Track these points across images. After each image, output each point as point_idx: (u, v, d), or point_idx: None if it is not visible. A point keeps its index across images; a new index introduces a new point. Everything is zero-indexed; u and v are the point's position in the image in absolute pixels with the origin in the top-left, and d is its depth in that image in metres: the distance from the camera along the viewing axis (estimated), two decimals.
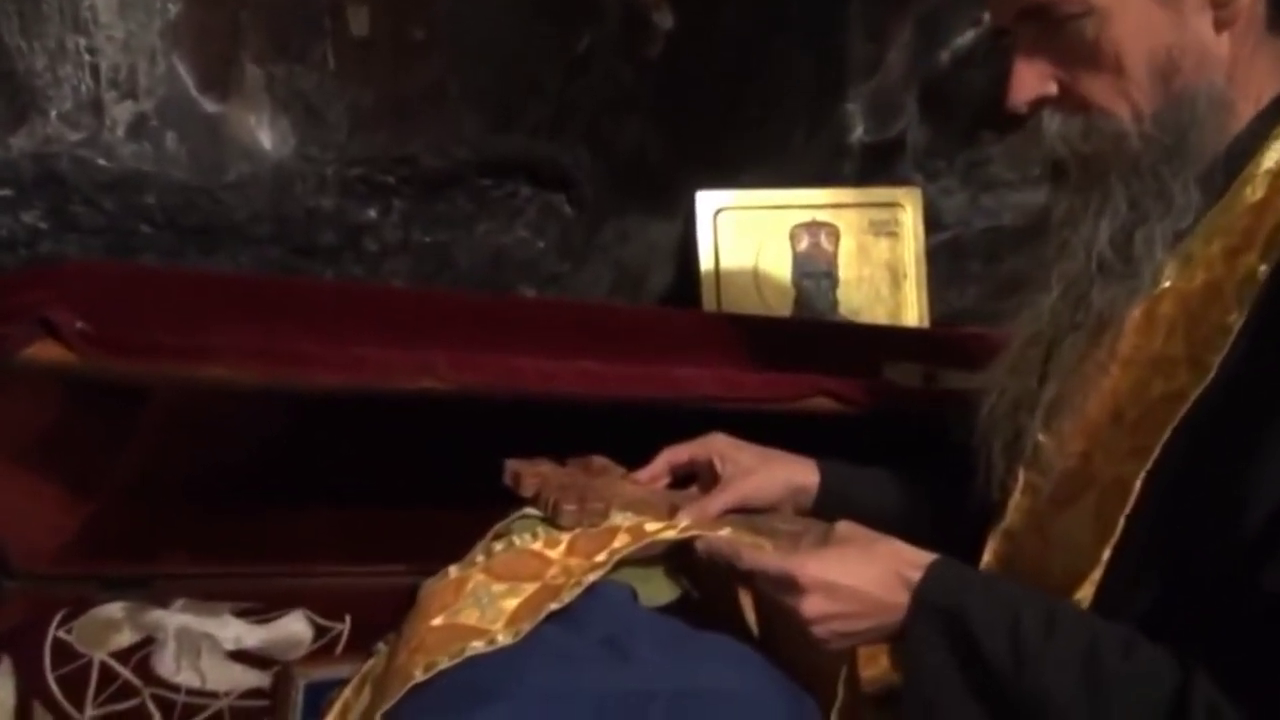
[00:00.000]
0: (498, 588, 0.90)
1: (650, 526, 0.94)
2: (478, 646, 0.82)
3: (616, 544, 0.92)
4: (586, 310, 1.26)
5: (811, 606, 0.80)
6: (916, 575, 0.80)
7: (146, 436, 1.32)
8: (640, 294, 1.63)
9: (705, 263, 1.58)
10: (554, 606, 0.85)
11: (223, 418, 1.31)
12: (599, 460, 1.07)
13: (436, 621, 0.88)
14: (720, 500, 0.97)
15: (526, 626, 0.83)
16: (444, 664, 0.81)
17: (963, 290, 1.86)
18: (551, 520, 0.96)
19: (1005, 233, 1.85)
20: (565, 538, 0.95)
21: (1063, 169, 0.84)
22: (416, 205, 1.45)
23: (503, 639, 0.83)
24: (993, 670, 0.76)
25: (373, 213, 1.43)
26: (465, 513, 1.01)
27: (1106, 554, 0.78)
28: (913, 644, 0.80)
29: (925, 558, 0.82)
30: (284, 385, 1.01)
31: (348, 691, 0.96)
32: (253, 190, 1.34)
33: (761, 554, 0.85)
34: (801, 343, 1.26)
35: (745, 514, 0.99)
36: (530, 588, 0.89)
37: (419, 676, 0.81)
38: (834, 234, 1.64)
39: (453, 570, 0.95)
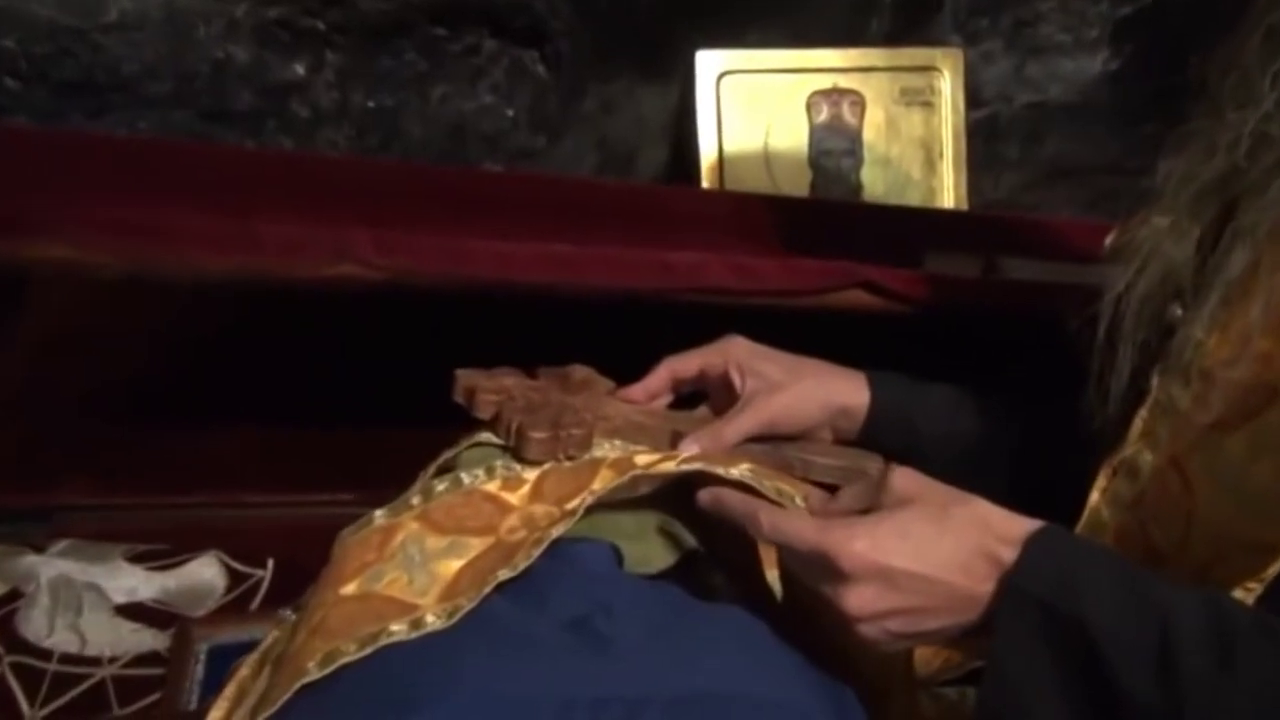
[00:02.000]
0: (434, 543, 0.67)
1: (641, 459, 0.70)
2: (397, 631, 0.58)
3: (596, 484, 0.68)
4: (558, 183, 1.01)
5: (859, 600, 0.57)
6: (1010, 554, 0.57)
7: (31, 342, 1.09)
8: (629, 174, 1.40)
9: (705, 137, 1.36)
10: (505, 575, 0.61)
11: (125, 320, 1.09)
12: (580, 372, 0.83)
13: (348, 589, 0.64)
14: (738, 425, 0.74)
15: (467, 602, 0.60)
16: (349, 655, 0.57)
17: (998, 178, 1.65)
18: (515, 451, 0.72)
19: (1050, 110, 1.63)
20: (531, 475, 0.71)
21: None
22: (355, 60, 1.21)
23: (433, 620, 0.59)
24: (1129, 707, 0.53)
25: (300, 69, 1.19)
26: (425, 431, 0.78)
27: None
28: (1005, 657, 0.56)
29: (1023, 527, 0.57)
30: (153, 270, 0.77)
31: (244, 669, 0.73)
32: (142, 35, 1.09)
33: (789, 518, 0.61)
34: (830, 226, 1.02)
35: (771, 443, 0.75)
36: (478, 545, 0.66)
37: (312, 673, 0.57)
38: (859, 104, 1.41)
39: (378, 516, 0.71)
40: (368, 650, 0.57)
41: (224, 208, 0.81)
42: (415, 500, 0.71)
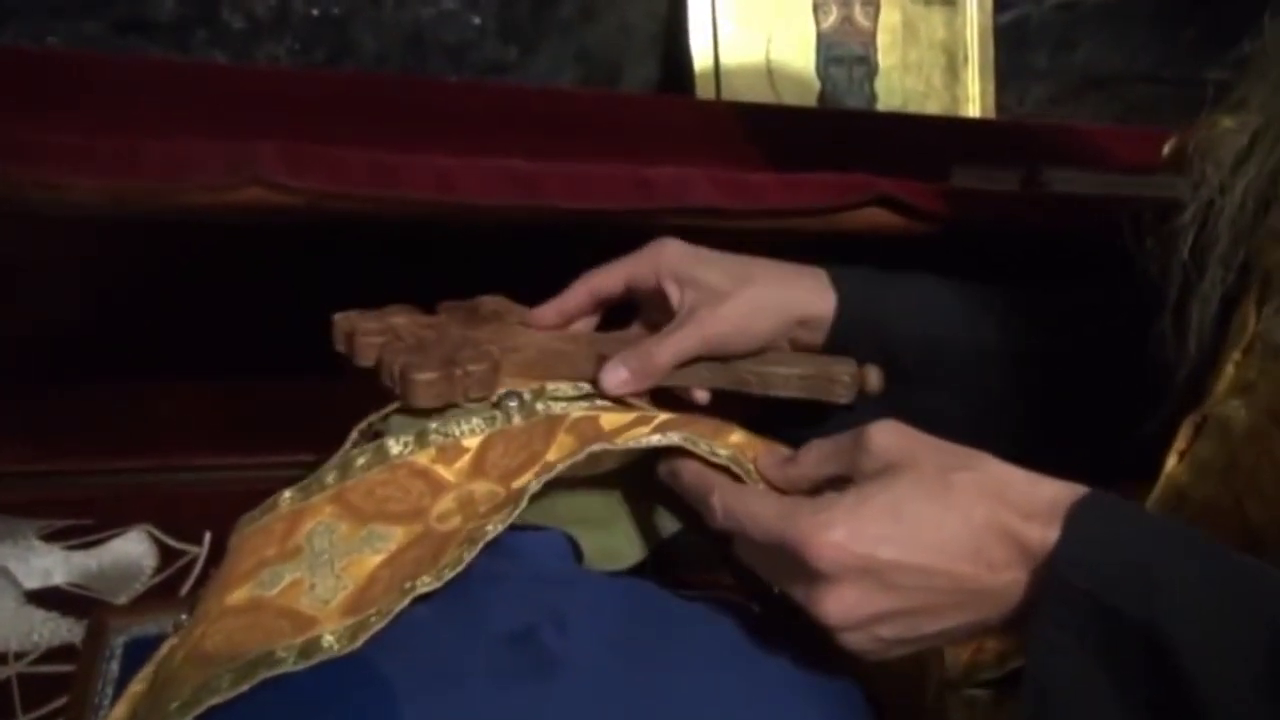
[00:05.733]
0: (348, 533, 0.53)
1: (609, 423, 0.56)
2: (284, 658, 0.45)
3: (552, 455, 0.54)
4: (515, 92, 0.86)
5: (841, 605, 0.45)
6: (1037, 532, 0.44)
7: None
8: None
9: (699, 47, 1.23)
10: (426, 586, 0.47)
11: (34, 259, 0.95)
12: (491, 302, 0.70)
13: (236, 596, 0.51)
14: (674, 344, 0.61)
15: (377, 619, 0.46)
16: (220, 693, 0.44)
17: (1025, 90, 1.51)
18: (402, 400, 0.61)
19: (1085, 11, 1.49)
20: (473, 443, 0.58)
21: None
22: None
23: (330, 641, 0.46)
24: None
25: None
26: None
27: None
28: (1043, 668, 0.43)
29: (1053, 495, 0.45)
30: (10, 194, 0.63)
31: (138, 684, 0.60)
32: None
33: (742, 497, 0.48)
34: (839, 137, 0.87)
35: (722, 363, 0.63)
36: (401, 536, 0.52)
37: (172, 718, 0.44)
38: (872, 3, 1.29)
39: (285, 498, 0.58)
40: (243, 687, 0.44)
41: (101, 122, 0.67)
42: (330, 478, 0.58)
